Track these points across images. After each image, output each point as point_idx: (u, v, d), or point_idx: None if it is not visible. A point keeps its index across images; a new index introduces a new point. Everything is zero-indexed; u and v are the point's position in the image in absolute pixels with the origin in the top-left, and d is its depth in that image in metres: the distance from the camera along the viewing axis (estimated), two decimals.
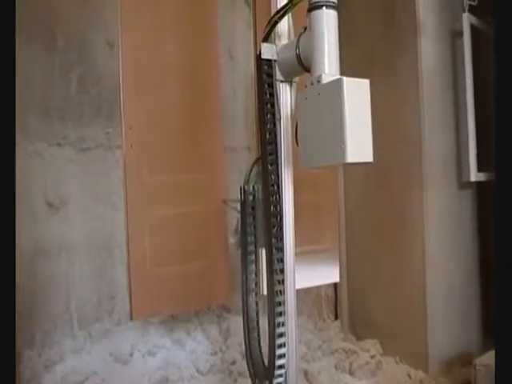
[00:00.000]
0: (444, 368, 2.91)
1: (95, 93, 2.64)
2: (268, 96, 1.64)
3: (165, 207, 2.86)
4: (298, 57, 1.54)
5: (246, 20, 3.30)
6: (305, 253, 3.03)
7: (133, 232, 2.73)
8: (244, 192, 1.84)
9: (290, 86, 1.68)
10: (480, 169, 3.02)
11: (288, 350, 1.69)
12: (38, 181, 2.46)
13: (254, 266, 1.88)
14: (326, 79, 1.40)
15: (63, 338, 2.50)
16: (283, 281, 1.66)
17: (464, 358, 2.91)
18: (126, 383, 2.64)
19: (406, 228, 3.00)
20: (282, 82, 1.66)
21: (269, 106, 1.64)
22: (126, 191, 2.72)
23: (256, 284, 1.88)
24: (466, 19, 2.98)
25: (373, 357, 3.12)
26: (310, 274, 3.37)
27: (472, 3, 3.00)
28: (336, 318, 3.63)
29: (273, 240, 1.64)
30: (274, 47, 1.65)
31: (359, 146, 1.34)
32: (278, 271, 1.65)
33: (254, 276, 1.88)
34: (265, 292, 1.73)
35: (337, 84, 1.33)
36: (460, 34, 2.99)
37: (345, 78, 1.32)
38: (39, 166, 2.46)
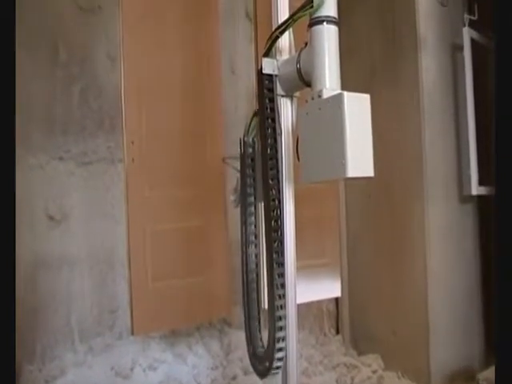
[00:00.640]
0: (446, 383, 2.88)
1: (97, 106, 2.66)
2: (269, 111, 1.64)
3: (166, 221, 2.87)
4: (299, 72, 1.54)
5: (247, 35, 3.33)
6: (306, 267, 3.03)
7: (134, 246, 2.73)
8: (244, 143, 1.83)
9: (291, 100, 1.68)
10: (481, 182, 3.01)
11: (288, 364, 1.68)
12: (40, 194, 2.47)
13: (253, 218, 1.85)
14: (326, 94, 1.40)
15: (64, 352, 2.49)
16: (284, 295, 1.65)
17: (466, 373, 2.89)
18: None
19: (407, 242, 2.99)
20: (282, 96, 1.66)
21: (270, 120, 1.64)
22: (127, 205, 2.72)
23: (255, 236, 1.86)
24: (467, 33, 2.99)
25: (374, 372, 3.09)
26: (312, 288, 3.36)
27: (472, 18, 3.02)
28: (337, 332, 3.61)
29: (274, 255, 1.63)
30: (275, 62, 1.65)
31: (360, 160, 1.33)
32: (279, 286, 1.64)
33: (253, 228, 1.85)
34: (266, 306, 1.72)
35: (338, 99, 1.33)
36: (460, 48, 3.00)
37: (345, 93, 1.32)
38: (41, 179, 2.47)
